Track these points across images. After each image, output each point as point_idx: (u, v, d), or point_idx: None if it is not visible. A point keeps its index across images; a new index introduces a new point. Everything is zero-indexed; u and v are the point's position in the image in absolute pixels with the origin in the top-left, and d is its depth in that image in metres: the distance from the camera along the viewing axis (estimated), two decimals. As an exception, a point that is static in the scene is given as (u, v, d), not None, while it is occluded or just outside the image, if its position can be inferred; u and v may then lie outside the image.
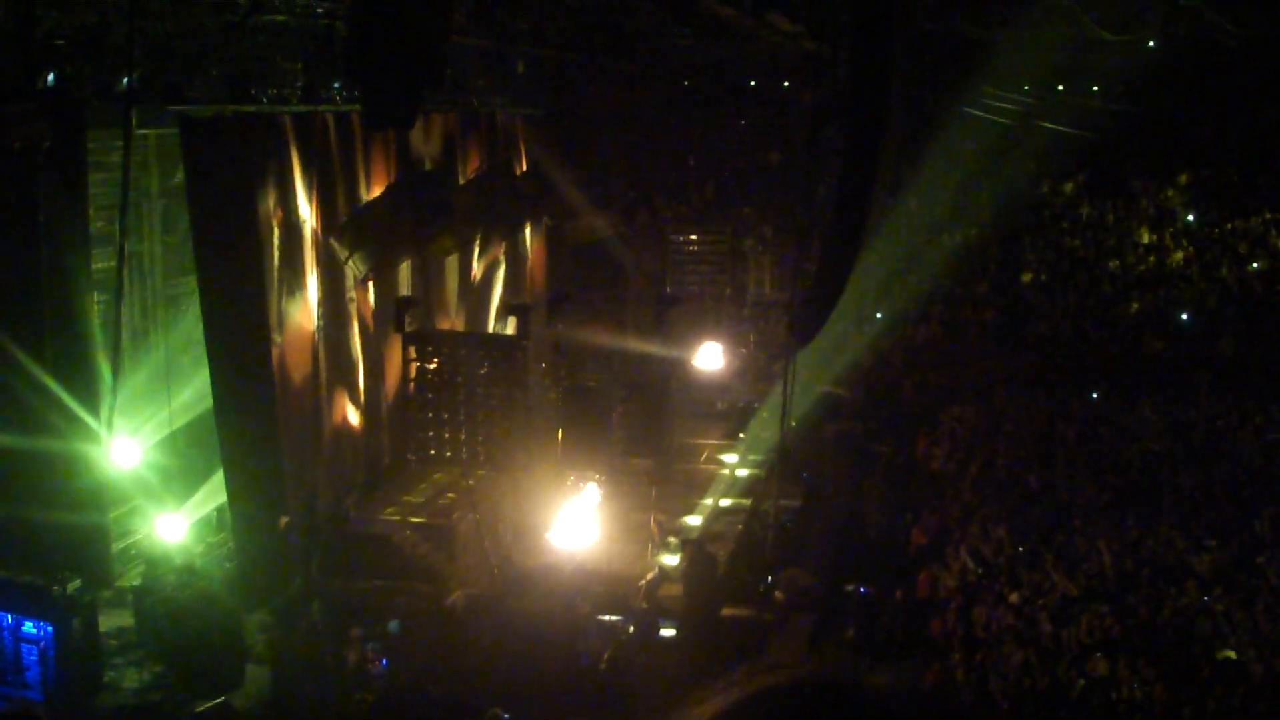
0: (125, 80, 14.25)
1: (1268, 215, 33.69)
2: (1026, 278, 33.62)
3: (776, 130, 33.42)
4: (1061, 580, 17.54)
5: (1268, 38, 24.67)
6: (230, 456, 17.39)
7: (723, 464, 24.35)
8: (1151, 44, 25.19)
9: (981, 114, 28.58)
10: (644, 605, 17.37)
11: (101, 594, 16.14)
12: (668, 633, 17.13)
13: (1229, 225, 33.87)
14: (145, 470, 17.86)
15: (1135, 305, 32.06)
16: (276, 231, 17.16)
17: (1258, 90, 30.94)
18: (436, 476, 20.42)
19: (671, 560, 18.97)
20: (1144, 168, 35.28)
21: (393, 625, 16.48)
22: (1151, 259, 33.72)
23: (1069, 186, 35.88)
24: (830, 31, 20.41)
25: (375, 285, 19.90)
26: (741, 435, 25.90)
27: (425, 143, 21.68)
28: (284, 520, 17.50)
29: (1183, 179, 34.94)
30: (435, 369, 18.99)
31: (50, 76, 14.30)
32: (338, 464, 19.31)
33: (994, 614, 16.71)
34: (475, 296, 23.82)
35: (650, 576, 18.18)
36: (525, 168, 25.78)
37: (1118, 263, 33.62)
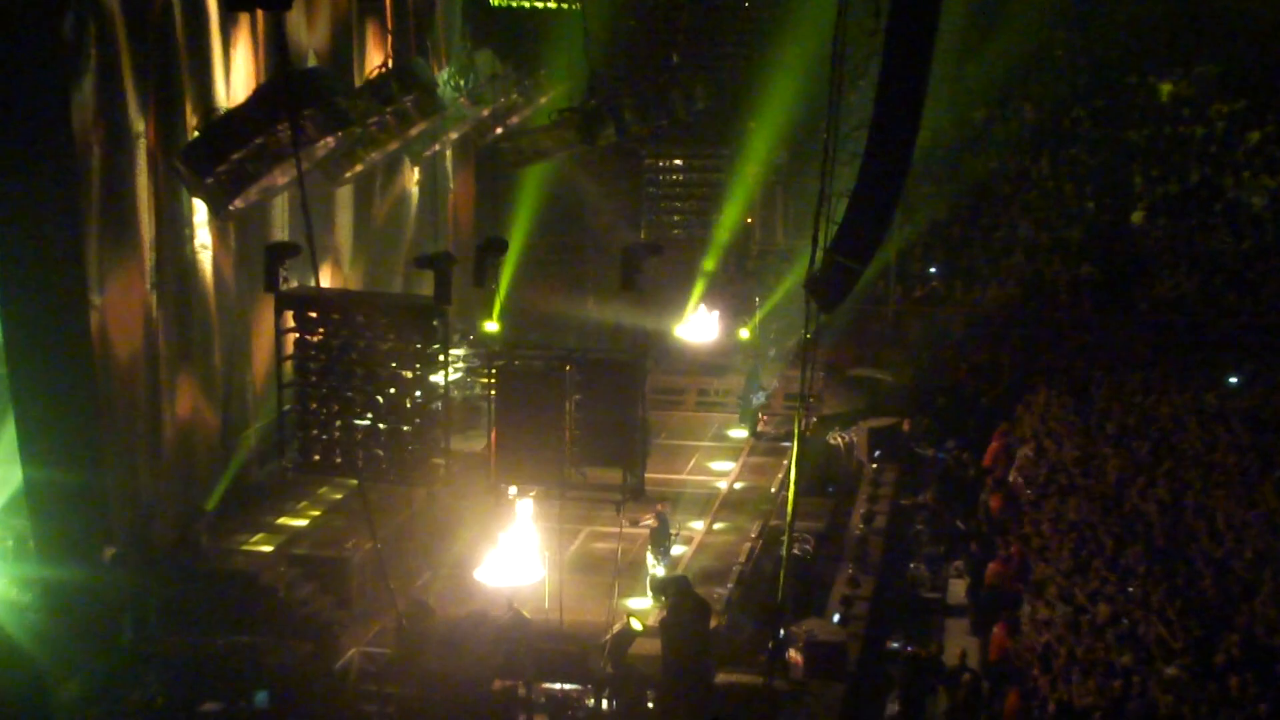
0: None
1: None
2: (1137, 218, 33.70)
3: (791, 14, 33.37)
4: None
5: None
6: (33, 465, 17.30)
7: (715, 473, 24.43)
8: None
9: None
10: (608, 669, 17.42)
11: None
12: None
13: None
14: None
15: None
16: (98, 151, 17.06)
17: None
18: (322, 491, 20.39)
19: (644, 605, 19.06)
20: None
21: (260, 698, 16.49)
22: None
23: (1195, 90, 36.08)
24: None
25: (238, 226, 19.83)
26: (741, 433, 25.97)
27: (309, 30, 21.61)
28: (109, 551, 17.45)
29: None
30: (321, 342, 18.92)
31: None
32: (184, 474, 19.27)
33: (1102, 684, 16.73)
34: (377, 243, 23.78)
35: (617, 629, 18.22)
36: (447, 59, 25.76)
37: (1262, 199, 33.70)
